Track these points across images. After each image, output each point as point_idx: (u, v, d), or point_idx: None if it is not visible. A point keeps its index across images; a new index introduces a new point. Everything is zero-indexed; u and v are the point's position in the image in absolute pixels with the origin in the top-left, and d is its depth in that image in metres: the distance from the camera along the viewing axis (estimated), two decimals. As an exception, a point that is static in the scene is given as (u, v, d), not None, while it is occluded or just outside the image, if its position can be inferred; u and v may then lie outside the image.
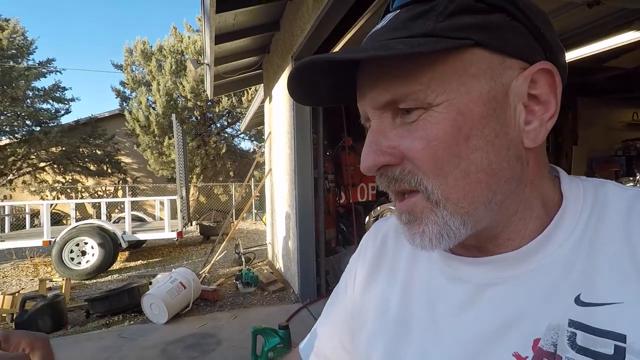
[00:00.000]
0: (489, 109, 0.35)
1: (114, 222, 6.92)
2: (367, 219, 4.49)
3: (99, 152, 12.51)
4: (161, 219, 7.14)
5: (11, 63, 11.50)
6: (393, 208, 0.42)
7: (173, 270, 3.89)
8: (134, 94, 12.66)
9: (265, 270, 4.69)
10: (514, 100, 0.36)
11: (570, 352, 0.33)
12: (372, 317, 0.50)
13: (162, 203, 6.65)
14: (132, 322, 3.29)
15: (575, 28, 3.98)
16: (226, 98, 11.99)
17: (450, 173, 0.35)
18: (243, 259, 4.94)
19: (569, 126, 7.05)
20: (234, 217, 9.85)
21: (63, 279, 3.98)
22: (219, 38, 4.06)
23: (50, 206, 5.99)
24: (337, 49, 3.39)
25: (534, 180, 0.39)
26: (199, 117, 12.64)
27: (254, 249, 6.60)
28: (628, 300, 0.32)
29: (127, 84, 12.76)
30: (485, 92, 0.35)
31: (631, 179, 4.85)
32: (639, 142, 7.50)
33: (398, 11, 0.38)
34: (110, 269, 5.39)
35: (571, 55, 4.48)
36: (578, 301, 0.34)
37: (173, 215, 6.40)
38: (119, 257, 5.89)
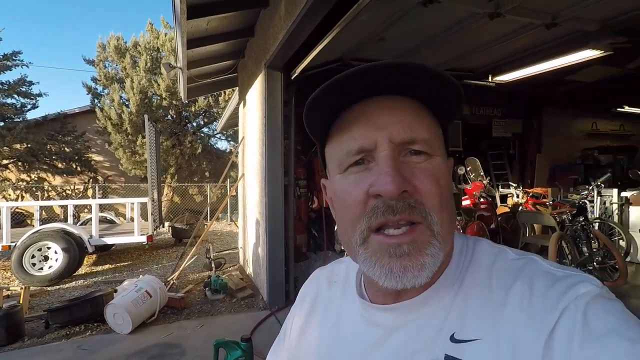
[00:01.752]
0: (450, 172, 0.47)
1: (81, 225, 6.71)
2: (336, 226, 4.57)
3: (67, 150, 12.03)
4: (132, 219, 6.98)
5: (-28, 54, 10.89)
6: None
7: (140, 277, 3.83)
8: (106, 91, 12.27)
9: (235, 276, 4.68)
10: None
11: None
12: None
13: (132, 204, 6.50)
14: (94, 333, 3.22)
15: (537, 45, 4.19)
16: (202, 97, 11.80)
17: (444, 210, 0.43)
18: (213, 264, 4.91)
19: (533, 135, 7.37)
20: (208, 217, 9.74)
21: (21, 288, 3.83)
22: (192, 42, 4.02)
23: (10, 208, 5.74)
24: (309, 59, 3.44)
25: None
26: (174, 116, 12.38)
27: (226, 252, 6.56)
28: (485, 336, 0.40)
29: (99, 81, 12.34)
30: (448, 162, 0.47)
31: (587, 187, 5.12)
32: (596, 152, 7.93)
33: None
34: (75, 274, 5.23)
35: (534, 70, 4.73)
36: (452, 339, 0.41)
37: (144, 217, 6.27)
38: (85, 261, 5.72)
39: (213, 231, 9.57)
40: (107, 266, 5.92)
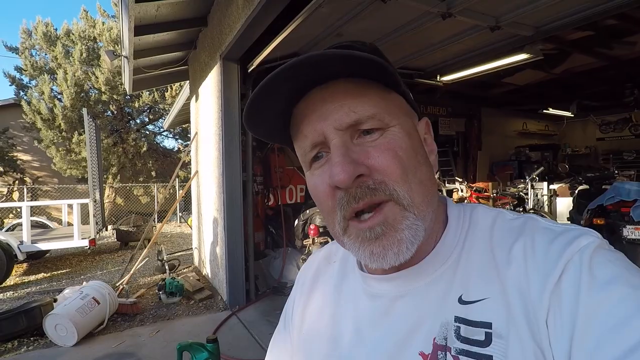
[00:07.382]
0: (419, 137, 0.47)
1: (7, 230, 5.99)
2: (296, 222, 4.55)
3: (-14, 148, 10.69)
4: (69, 224, 6.37)
5: None
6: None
7: (84, 283, 3.51)
8: (33, 82, 11.07)
9: (191, 278, 4.47)
10: (421, 138, 0.48)
11: (457, 342, 0.40)
12: (310, 342, 0.54)
13: (70, 207, 5.92)
14: (30, 348, 2.88)
15: (481, 47, 4.49)
16: (147, 93, 11.10)
17: (412, 179, 0.42)
18: (167, 267, 4.64)
19: (474, 133, 7.93)
20: (156, 220, 9.19)
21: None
22: (140, 29, 3.76)
23: None
24: (269, 49, 3.37)
25: (439, 198, 0.49)
26: (115, 112, 11.50)
27: (179, 254, 6.25)
28: (492, 295, 0.41)
29: (26, 71, 11.10)
30: (413, 126, 0.47)
31: (522, 181, 5.62)
32: (527, 149, 8.77)
33: None
34: (2, 285, 4.66)
35: (476, 70, 5.08)
36: (460, 301, 0.42)
37: (84, 220, 5.75)
38: (14, 271, 5.12)
39: (162, 233, 9.05)
40: (41, 275, 5.34)
